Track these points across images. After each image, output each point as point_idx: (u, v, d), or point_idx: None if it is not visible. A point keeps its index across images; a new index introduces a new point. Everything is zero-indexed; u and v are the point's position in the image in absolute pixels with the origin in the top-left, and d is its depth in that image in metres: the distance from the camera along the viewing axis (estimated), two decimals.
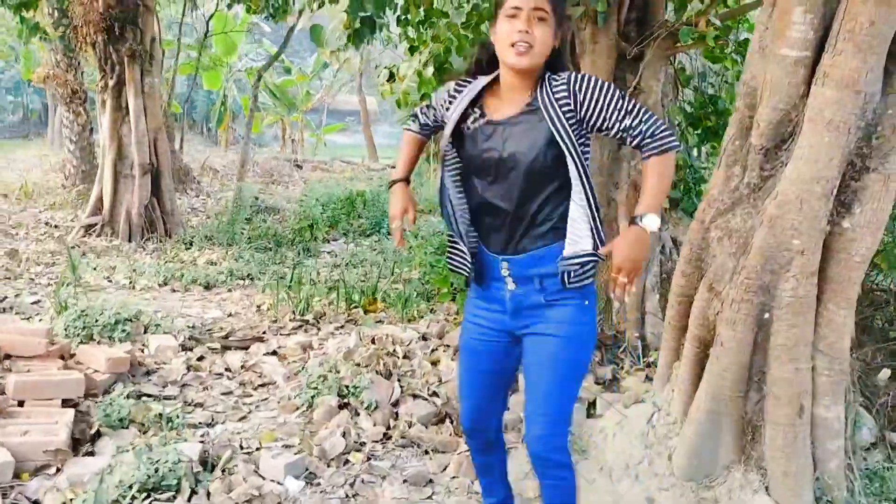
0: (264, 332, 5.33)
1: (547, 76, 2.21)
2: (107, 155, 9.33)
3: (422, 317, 6.00)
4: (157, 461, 2.95)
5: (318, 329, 5.56)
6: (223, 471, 3.18)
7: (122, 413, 3.50)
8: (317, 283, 6.86)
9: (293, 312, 5.82)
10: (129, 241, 8.99)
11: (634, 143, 2.16)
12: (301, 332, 5.44)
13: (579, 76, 2.17)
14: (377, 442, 3.62)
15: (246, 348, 4.95)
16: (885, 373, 4.15)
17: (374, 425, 3.74)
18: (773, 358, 2.96)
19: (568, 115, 2.14)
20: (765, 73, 2.89)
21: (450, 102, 2.33)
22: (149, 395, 3.94)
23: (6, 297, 6.00)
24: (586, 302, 2.29)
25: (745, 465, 3.07)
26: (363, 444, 3.59)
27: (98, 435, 3.34)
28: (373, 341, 4.66)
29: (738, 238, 3.03)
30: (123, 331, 4.67)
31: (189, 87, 18.08)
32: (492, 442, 2.59)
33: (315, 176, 17.30)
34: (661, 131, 2.15)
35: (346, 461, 3.43)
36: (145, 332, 4.92)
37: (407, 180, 2.51)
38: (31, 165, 16.49)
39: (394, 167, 2.59)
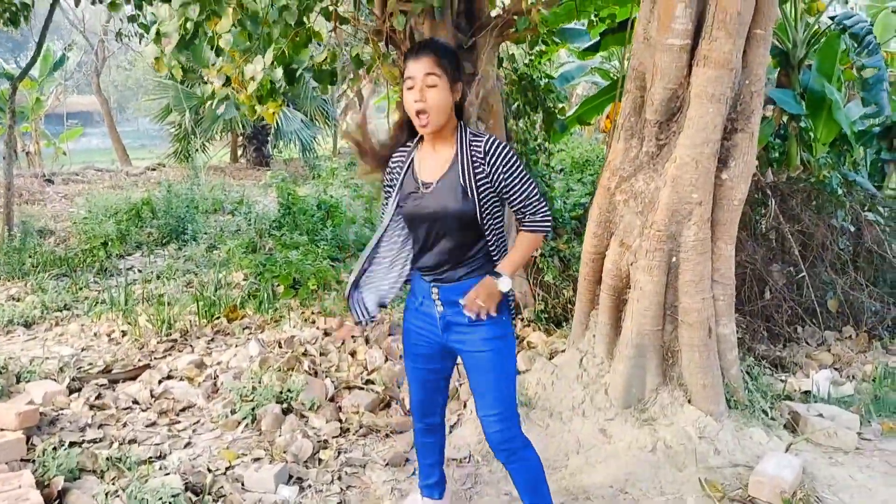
0: (139, 360, 5.08)
1: (468, 132, 2.50)
2: None
3: (282, 316, 6.03)
4: (158, 499, 2.88)
5: (192, 346, 5.39)
6: (210, 495, 3.16)
7: (70, 464, 3.28)
8: (150, 300, 6.54)
9: (157, 334, 5.57)
10: None
11: (517, 215, 2.54)
12: (176, 352, 5.25)
13: (494, 145, 2.46)
14: (337, 437, 3.76)
15: (134, 378, 4.71)
16: None
17: (327, 422, 3.85)
18: (682, 293, 3.58)
19: (479, 176, 2.45)
20: (653, 59, 3.45)
21: (393, 171, 2.62)
22: (74, 444, 3.68)
23: None
24: (503, 317, 2.57)
25: (669, 386, 3.68)
26: (325, 441, 3.71)
27: (63, 491, 3.11)
28: (279, 345, 4.68)
29: (643, 199, 3.60)
30: None
31: None
32: (436, 426, 2.90)
33: (73, 189, 15.80)
34: (542, 215, 2.50)
35: (320, 460, 3.54)
36: (17, 381, 4.49)
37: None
38: None
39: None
